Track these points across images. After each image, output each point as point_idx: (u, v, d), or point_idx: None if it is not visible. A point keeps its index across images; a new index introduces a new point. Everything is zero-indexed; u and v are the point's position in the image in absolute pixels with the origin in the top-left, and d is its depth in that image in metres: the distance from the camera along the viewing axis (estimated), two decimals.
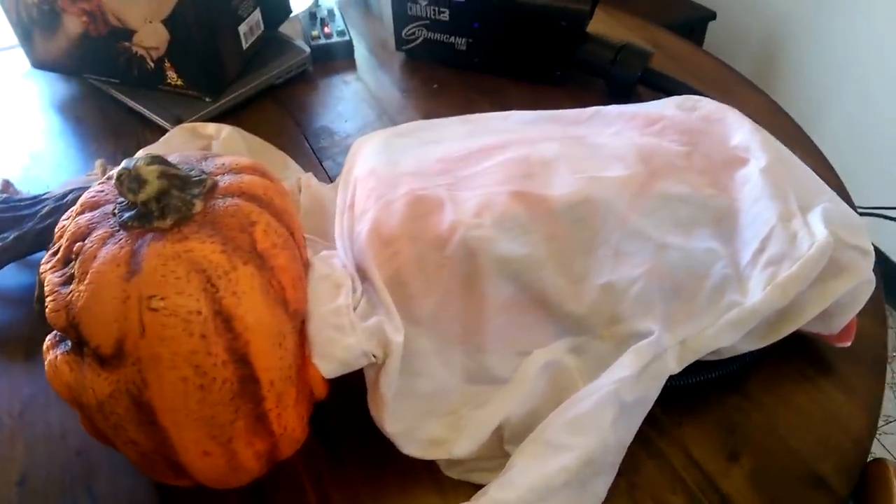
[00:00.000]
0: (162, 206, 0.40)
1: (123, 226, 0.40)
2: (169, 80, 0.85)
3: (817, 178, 0.60)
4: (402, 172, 0.56)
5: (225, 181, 0.44)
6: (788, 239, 0.53)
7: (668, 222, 0.55)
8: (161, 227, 0.40)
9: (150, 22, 0.78)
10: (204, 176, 0.43)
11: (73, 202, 0.66)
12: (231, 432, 0.43)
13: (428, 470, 0.52)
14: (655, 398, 0.50)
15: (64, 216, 0.45)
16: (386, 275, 0.50)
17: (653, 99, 0.73)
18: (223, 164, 0.45)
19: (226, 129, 0.76)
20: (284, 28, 0.98)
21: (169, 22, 0.78)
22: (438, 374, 0.51)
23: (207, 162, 0.45)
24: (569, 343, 0.52)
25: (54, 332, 0.43)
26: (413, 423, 0.50)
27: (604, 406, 0.47)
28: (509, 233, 0.52)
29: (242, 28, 0.87)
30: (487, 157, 0.59)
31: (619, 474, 0.48)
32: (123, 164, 0.39)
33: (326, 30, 0.98)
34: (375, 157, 0.59)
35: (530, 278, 0.51)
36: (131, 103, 0.86)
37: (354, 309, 0.49)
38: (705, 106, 0.66)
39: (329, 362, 0.46)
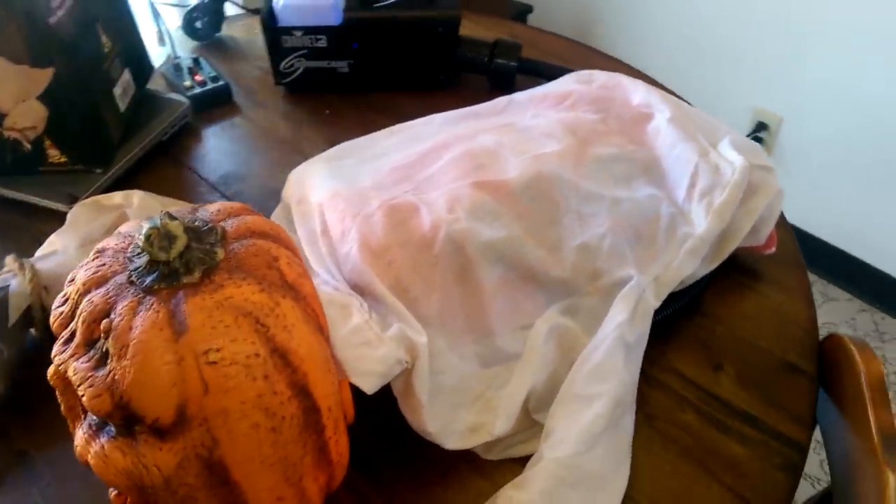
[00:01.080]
0: (185, 262, 0.39)
1: (149, 291, 0.39)
2: (51, 160, 0.79)
3: (710, 117, 0.69)
4: (365, 188, 0.58)
5: (231, 225, 0.43)
6: (712, 170, 0.61)
7: (610, 181, 0.61)
8: (191, 282, 0.39)
9: (24, 101, 0.73)
10: (211, 224, 0.42)
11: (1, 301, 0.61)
12: (301, 470, 0.42)
13: (465, 460, 0.53)
14: (648, 333, 0.56)
15: (57, 303, 0.42)
16: (387, 284, 0.52)
17: (531, 86, 0.79)
18: (218, 211, 0.45)
19: (137, 195, 0.72)
20: (152, 84, 0.95)
21: (45, 97, 0.73)
22: (457, 367, 0.53)
23: (201, 212, 0.44)
24: (561, 307, 0.57)
25: (86, 425, 0.41)
26: (447, 419, 0.52)
27: (614, 351, 0.52)
28: (483, 220, 0.56)
29: (117, 90, 0.83)
30: (436, 159, 0.62)
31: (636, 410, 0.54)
32: (148, 225, 0.38)
33: (198, 78, 0.95)
34: (329, 181, 0.60)
35: (515, 256, 0.55)
36: (12, 194, 0.79)
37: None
38: (598, 77, 0.73)
39: (369, 378, 0.47)
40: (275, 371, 0.39)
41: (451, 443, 0.52)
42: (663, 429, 0.55)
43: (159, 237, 0.38)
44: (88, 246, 0.67)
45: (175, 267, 0.39)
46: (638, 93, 0.69)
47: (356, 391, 0.48)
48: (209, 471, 0.39)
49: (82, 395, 0.38)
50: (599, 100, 0.69)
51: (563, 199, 0.58)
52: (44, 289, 0.63)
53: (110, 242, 0.43)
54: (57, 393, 0.44)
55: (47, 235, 0.71)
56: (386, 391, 0.51)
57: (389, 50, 0.91)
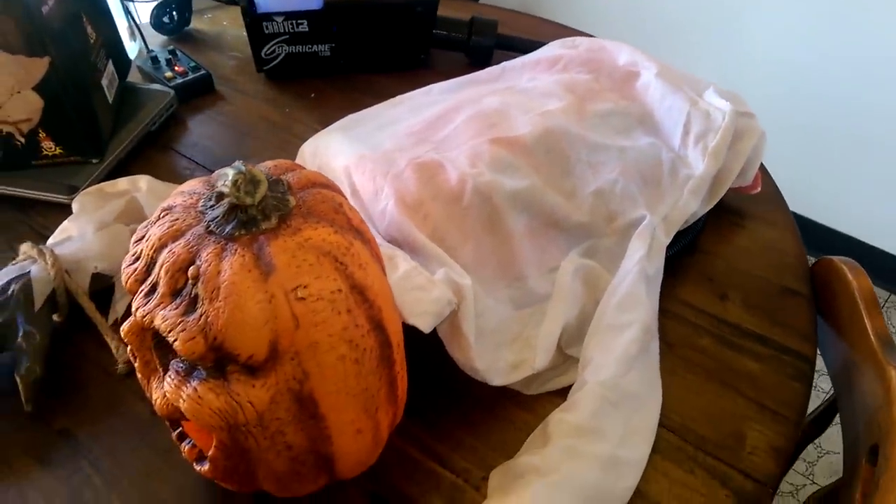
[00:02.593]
0: (262, 209, 0.41)
1: (230, 238, 0.41)
2: (45, 152, 0.78)
3: (690, 72, 0.74)
4: (389, 150, 0.61)
5: (292, 177, 0.45)
6: (703, 117, 0.66)
7: (612, 132, 0.66)
8: (269, 228, 0.41)
9: (19, 92, 0.72)
10: (276, 177, 0.44)
11: (20, 292, 0.61)
12: (377, 402, 0.45)
13: (507, 397, 0.57)
14: (663, 267, 0.60)
15: (127, 262, 0.43)
16: (426, 235, 0.54)
17: (507, 59, 0.83)
18: (275, 166, 0.46)
19: (143, 180, 0.73)
20: (131, 78, 0.94)
21: (41, 87, 0.72)
22: (495, 310, 0.57)
23: (260, 167, 0.46)
24: (582, 249, 0.61)
25: (172, 372, 0.42)
26: (491, 358, 0.55)
27: (637, 283, 0.56)
28: (504, 173, 0.59)
29: (104, 81, 0.83)
30: (448, 122, 0.65)
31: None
32: (233, 171, 0.39)
33: (178, 69, 0.95)
34: (351, 146, 0.62)
35: (537, 204, 0.59)
36: (7, 189, 0.78)
37: None
38: (582, 42, 0.78)
39: (425, 318, 0.49)
40: (355, 305, 0.42)
41: (497, 379, 0.55)
42: (684, 354, 0.59)
43: (245, 182, 0.39)
44: (105, 230, 0.67)
45: (253, 214, 0.41)
46: (623, 53, 0.74)
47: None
48: (299, 404, 0.41)
49: (174, 341, 0.39)
50: (589, 62, 0.73)
51: (573, 151, 0.62)
52: (66, 273, 0.63)
53: (176, 200, 0.44)
54: (130, 352, 0.45)
55: (48, 228, 0.71)
56: (422, 343, 0.54)
57: (370, 31, 0.93)
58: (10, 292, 0.61)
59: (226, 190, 0.40)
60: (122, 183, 0.73)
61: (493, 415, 0.56)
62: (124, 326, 0.44)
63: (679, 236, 0.65)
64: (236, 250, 0.40)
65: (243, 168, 0.39)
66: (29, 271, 0.62)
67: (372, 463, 0.50)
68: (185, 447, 0.47)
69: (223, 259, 0.40)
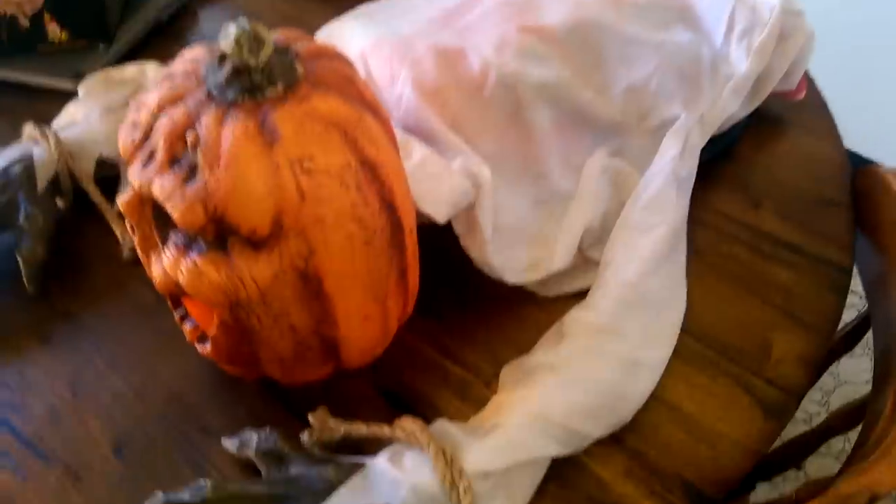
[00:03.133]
0: (267, 75, 0.38)
1: (232, 104, 0.38)
2: (50, 37, 0.75)
3: None
4: (408, 35, 0.57)
5: (300, 47, 0.42)
6: (749, 11, 0.61)
7: (650, 26, 0.61)
8: (275, 95, 0.38)
9: None
10: (285, 45, 0.41)
11: (22, 172, 0.59)
12: (387, 288, 0.43)
13: (523, 297, 0.55)
14: (696, 170, 0.57)
15: (124, 132, 0.40)
16: (445, 123, 0.51)
17: None
18: (283, 34, 0.43)
19: (151, 67, 0.70)
20: None
21: None
22: (514, 206, 0.54)
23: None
24: (610, 148, 0.57)
25: (172, 245, 0.40)
26: (507, 255, 0.53)
27: (667, 184, 0.53)
28: (532, 63, 0.55)
29: None
30: (472, 8, 0.60)
31: None
32: (235, 28, 0.36)
33: None
34: (368, 31, 0.58)
35: (566, 98, 0.55)
36: (11, 75, 0.75)
37: None
38: None
39: (440, 207, 0.47)
40: (365, 182, 0.39)
41: (512, 277, 0.53)
42: (713, 261, 0.56)
43: (248, 40, 0.36)
44: (111, 115, 0.64)
45: (257, 80, 0.38)
46: None
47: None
48: (304, 283, 0.39)
49: (173, 211, 0.37)
50: None
51: (606, 44, 0.58)
52: (69, 156, 0.61)
53: (177, 67, 0.41)
54: (129, 225, 0.43)
55: (53, 116, 0.68)
56: (435, 236, 0.52)
57: None
58: (11, 172, 0.59)
59: (228, 49, 0.37)
60: (130, 69, 0.70)
61: (508, 313, 0.54)
62: (122, 199, 0.42)
63: (714, 140, 0.61)
64: (239, 117, 0.37)
65: (247, 25, 0.36)
66: (31, 153, 0.60)
67: (379, 353, 0.48)
68: (187, 328, 0.46)
69: (224, 126, 0.37)
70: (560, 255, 0.53)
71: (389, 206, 0.41)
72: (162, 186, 0.38)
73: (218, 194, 0.36)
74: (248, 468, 0.46)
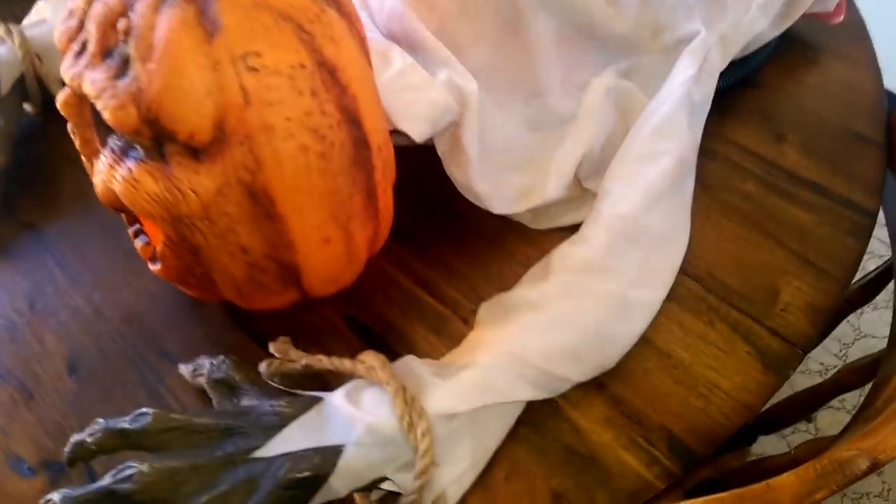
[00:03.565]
0: None
1: None
2: None
3: None
4: None
5: None
6: None
7: None
8: None
9: None
10: None
11: None
12: (350, 210, 0.38)
13: (511, 230, 0.50)
14: (712, 96, 0.51)
15: (61, 20, 0.36)
16: (431, 30, 0.46)
17: None
18: None
19: None
20: None
21: None
22: (506, 127, 0.49)
23: None
24: (620, 68, 0.51)
25: (108, 150, 0.36)
26: (495, 181, 0.48)
27: (679, 109, 0.47)
28: None
29: None
30: None
31: None
32: None
33: None
34: None
35: (571, 6, 0.49)
36: None
37: None
38: None
39: (418, 122, 0.42)
40: (323, 88, 0.34)
41: (500, 207, 0.48)
42: (723, 197, 0.51)
43: None
44: None
45: None
46: None
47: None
48: (252, 200, 0.35)
49: (103, 110, 0.33)
50: None
51: None
52: (36, 57, 0.57)
53: None
54: (70, 128, 0.39)
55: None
56: (418, 159, 0.47)
57: None
58: None
59: None
60: None
61: (493, 245, 0.50)
62: (59, 97, 0.37)
63: (737, 64, 0.55)
64: (177, 3, 0.32)
65: None
66: None
67: (348, 283, 0.45)
68: (139, 244, 0.43)
69: (160, 13, 0.32)
70: (554, 184, 0.48)
71: (352, 118, 0.36)
72: (93, 82, 0.33)
73: (150, 92, 0.32)
74: (206, 396, 0.43)
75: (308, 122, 0.34)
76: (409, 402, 0.37)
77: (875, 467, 0.36)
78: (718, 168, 0.53)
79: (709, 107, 0.50)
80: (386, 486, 0.38)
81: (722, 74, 0.52)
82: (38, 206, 0.55)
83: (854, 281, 0.57)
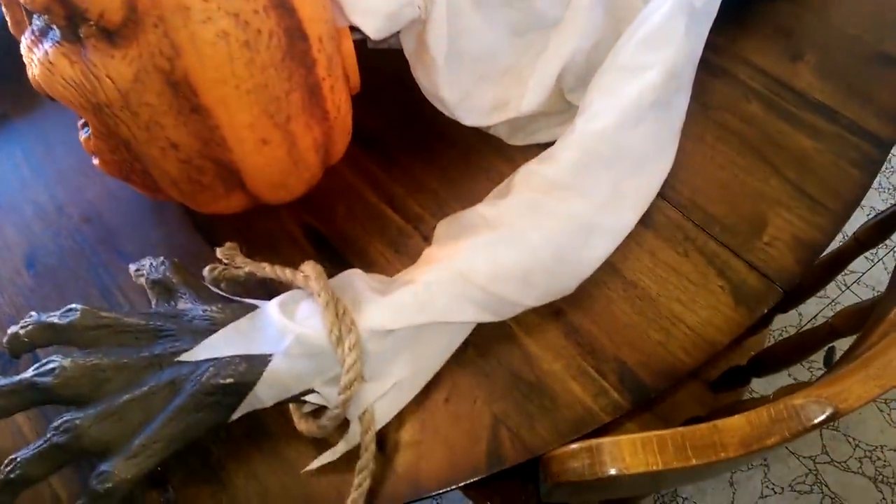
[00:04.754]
0: None
1: None
2: None
3: None
4: None
5: None
6: None
7: None
8: None
9: None
10: None
11: None
12: (288, 109, 0.36)
13: (486, 143, 0.47)
14: (718, 4, 0.45)
15: None
16: None
17: None
18: None
19: None
20: None
21: None
22: (483, 31, 0.45)
23: None
24: None
25: (28, 31, 0.34)
26: (468, 90, 0.45)
27: (675, 15, 0.42)
28: None
29: None
30: None
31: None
32: None
33: None
34: None
35: None
36: None
37: None
38: None
39: (372, 18, 0.38)
40: None
41: (471, 118, 0.45)
42: (721, 118, 0.47)
43: None
44: None
45: None
46: None
47: (363, 61, 0.40)
48: (173, 90, 0.33)
49: None
50: None
51: None
52: None
53: None
54: (2, 8, 0.37)
55: None
56: (391, 63, 0.44)
57: None
58: None
59: None
60: None
61: (465, 161, 0.47)
62: None
63: None
64: None
65: None
66: None
67: (301, 190, 0.42)
68: (82, 136, 0.41)
69: None
70: (531, 95, 0.44)
71: (283, 4, 0.33)
72: None
73: None
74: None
75: (228, 6, 0.31)
76: (339, 315, 0.35)
77: (834, 417, 0.33)
78: (722, 86, 0.48)
79: (713, 15, 0.45)
80: (312, 398, 0.36)
81: None
82: (10, 95, 0.54)
83: (870, 219, 0.52)
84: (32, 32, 0.34)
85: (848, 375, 0.33)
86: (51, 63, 0.32)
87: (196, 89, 0.33)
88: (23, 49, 0.34)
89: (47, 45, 0.33)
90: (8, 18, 0.37)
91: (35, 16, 0.34)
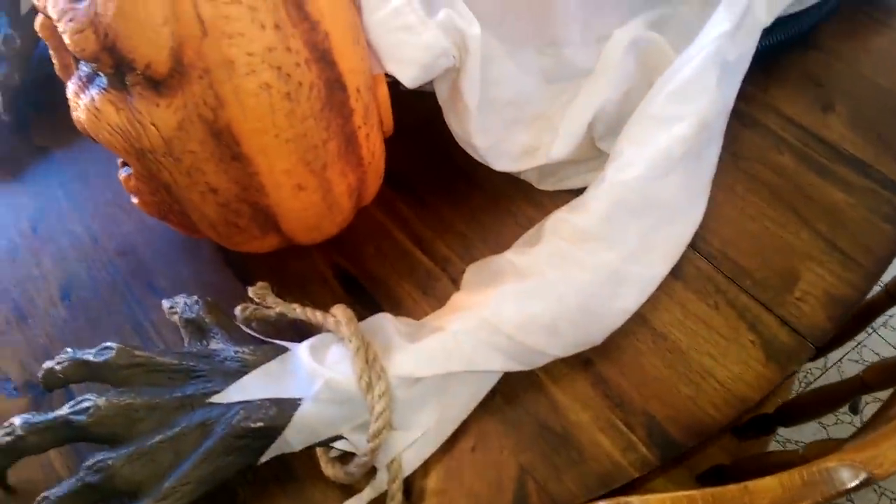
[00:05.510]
0: None
1: None
2: None
3: None
4: None
5: None
6: None
7: None
8: None
9: None
10: None
11: None
12: (325, 157, 0.36)
13: (516, 188, 0.47)
14: (752, 55, 0.46)
15: None
16: None
17: None
18: None
19: None
20: None
21: None
22: (516, 78, 0.45)
23: None
24: (649, 18, 0.47)
25: (76, 77, 0.35)
26: (500, 136, 0.45)
27: (707, 68, 0.43)
28: None
29: None
30: None
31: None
32: None
33: None
34: None
35: None
36: None
37: None
38: None
39: (409, 67, 0.39)
40: (288, 22, 0.32)
41: (502, 164, 0.45)
42: (752, 169, 0.47)
43: None
44: None
45: None
46: None
47: (397, 102, 0.41)
48: (216, 139, 0.33)
49: (63, 33, 0.32)
50: None
51: None
52: None
53: None
54: (51, 52, 0.38)
55: None
56: (422, 108, 0.44)
57: None
58: None
59: None
60: None
61: (494, 204, 0.47)
62: (37, 19, 0.36)
63: (787, 21, 0.49)
64: None
65: None
66: None
67: (333, 232, 0.43)
68: (122, 175, 0.42)
69: None
70: (561, 141, 0.44)
71: (324, 57, 0.34)
72: (55, 4, 0.32)
73: (107, 16, 0.30)
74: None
75: (271, 59, 0.32)
76: (369, 362, 0.36)
77: (869, 482, 0.32)
78: (753, 137, 0.48)
79: (746, 67, 0.45)
80: (341, 444, 0.37)
81: (768, 31, 0.47)
82: (52, 129, 0.55)
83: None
84: (80, 78, 0.35)
85: (883, 440, 0.33)
86: (97, 109, 0.33)
87: (238, 138, 0.33)
88: (69, 93, 0.35)
89: (94, 91, 0.33)
90: (55, 62, 0.38)
91: (82, 62, 0.35)
